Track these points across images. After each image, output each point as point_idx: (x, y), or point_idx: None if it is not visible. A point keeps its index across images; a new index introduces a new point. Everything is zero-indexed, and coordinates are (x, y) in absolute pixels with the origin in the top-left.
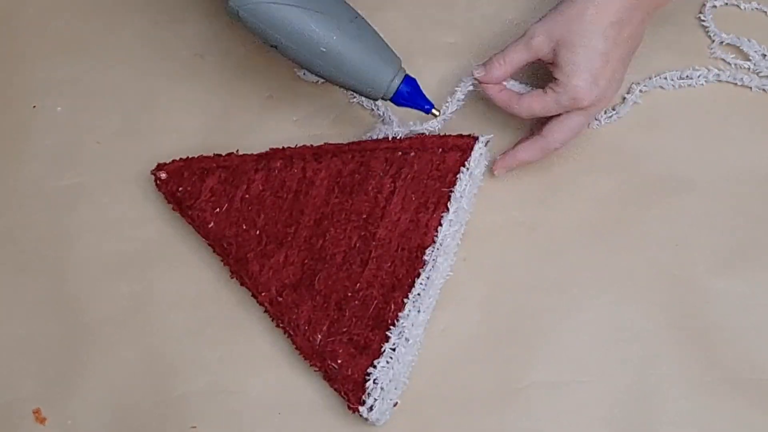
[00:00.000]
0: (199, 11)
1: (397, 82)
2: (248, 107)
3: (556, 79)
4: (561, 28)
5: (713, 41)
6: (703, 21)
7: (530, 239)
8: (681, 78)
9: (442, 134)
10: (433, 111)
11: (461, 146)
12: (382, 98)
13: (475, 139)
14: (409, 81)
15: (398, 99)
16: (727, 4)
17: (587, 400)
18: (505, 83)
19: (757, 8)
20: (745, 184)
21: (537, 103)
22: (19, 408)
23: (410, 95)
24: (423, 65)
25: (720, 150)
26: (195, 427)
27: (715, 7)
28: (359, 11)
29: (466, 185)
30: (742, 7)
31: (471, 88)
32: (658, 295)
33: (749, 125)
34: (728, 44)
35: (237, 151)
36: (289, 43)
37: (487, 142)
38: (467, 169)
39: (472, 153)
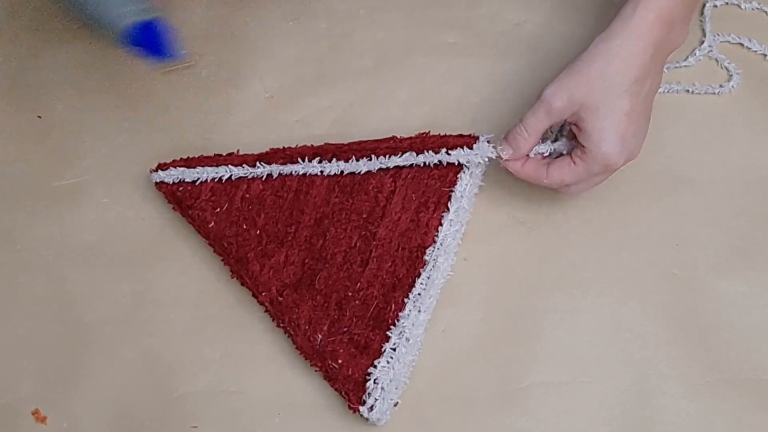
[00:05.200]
0: (199, 10)
1: (129, 16)
2: (248, 107)
3: (583, 146)
4: (583, 91)
5: (713, 41)
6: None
7: (530, 239)
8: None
9: (442, 134)
10: (178, 59)
11: (462, 145)
12: (117, 34)
13: (476, 138)
14: (152, 25)
15: (130, 38)
16: (727, 3)
17: (587, 400)
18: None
19: (757, 8)
20: (746, 184)
21: (567, 174)
22: (19, 408)
23: (142, 37)
24: (423, 65)
25: (720, 150)
26: (195, 427)
27: (715, 6)
28: (360, 11)
29: (466, 185)
30: (742, 7)
31: (491, 156)
32: (658, 295)
33: (750, 125)
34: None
35: (237, 151)
36: None
37: (488, 141)
38: (468, 168)
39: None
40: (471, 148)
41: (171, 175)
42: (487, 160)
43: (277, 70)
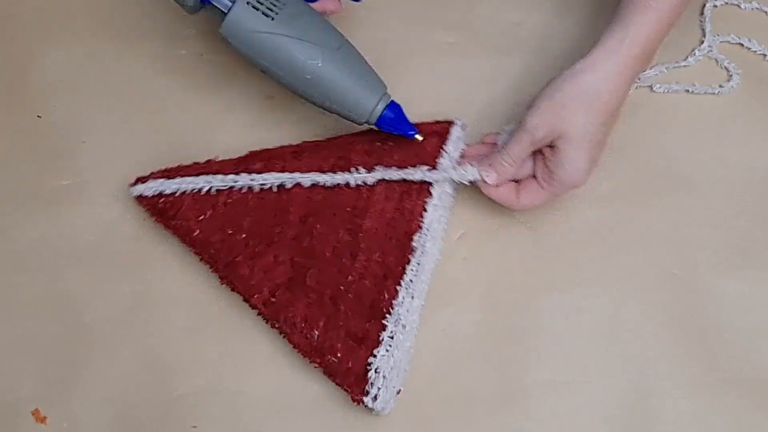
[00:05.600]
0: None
1: (380, 108)
2: (248, 107)
3: (551, 171)
4: (565, 123)
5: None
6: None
7: (530, 239)
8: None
9: (420, 121)
10: (416, 136)
11: (438, 131)
12: (367, 123)
13: (451, 123)
14: (393, 107)
15: (381, 124)
16: (727, 3)
17: (587, 400)
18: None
19: (757, 8)
20: (746, 183)
21: (538, 199)
22: (19, 408)
23: (393, 121)
24: (423, 65)
25: (720, 150)
26: (195, 426)
27: (715, 6)
28: (360, 11)
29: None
30: (742, 7)
31: (475, 178)
32: (658, 295)
33: (749, 125)
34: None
35: (216, 157)
36: (275, 69)
37: (463, 125)
38: (446, 153)
39: (449, 137)
40: (447, 132)
41: (150, 188)
42: (468, 182)
43: None
